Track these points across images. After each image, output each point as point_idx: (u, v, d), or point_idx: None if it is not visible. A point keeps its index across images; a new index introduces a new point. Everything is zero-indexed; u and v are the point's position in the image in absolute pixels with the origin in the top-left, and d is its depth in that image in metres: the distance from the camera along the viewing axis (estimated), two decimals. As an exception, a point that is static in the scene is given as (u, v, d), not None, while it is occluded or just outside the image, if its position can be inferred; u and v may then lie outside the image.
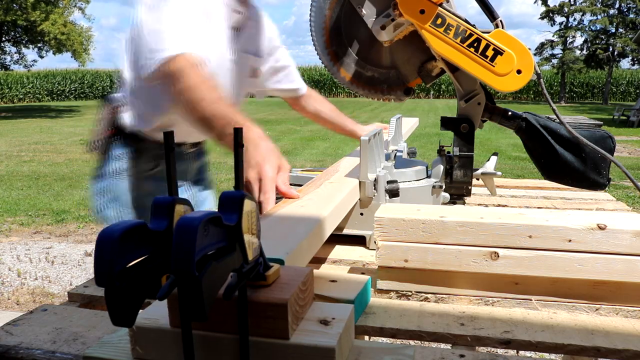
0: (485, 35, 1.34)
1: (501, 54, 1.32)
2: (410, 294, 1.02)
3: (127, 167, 1.66)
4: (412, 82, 1.59)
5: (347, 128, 2.06)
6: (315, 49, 1.57)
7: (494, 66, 1.33)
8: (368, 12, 1.47)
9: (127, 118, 1.63)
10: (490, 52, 1.33)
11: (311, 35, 1.57)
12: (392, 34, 1.46)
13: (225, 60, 1.63)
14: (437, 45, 1.37)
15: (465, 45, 1.34)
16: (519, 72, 1.33)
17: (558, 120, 1.44)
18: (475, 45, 1.34)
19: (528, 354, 0.92)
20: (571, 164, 1.45)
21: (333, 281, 0.94)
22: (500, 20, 1.38)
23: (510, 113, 1.49)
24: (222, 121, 1.24)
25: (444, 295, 1.01)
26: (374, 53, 1.57)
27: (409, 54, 1.54)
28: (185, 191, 1.83)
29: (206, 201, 1.96)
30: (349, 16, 1.52)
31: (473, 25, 1.35)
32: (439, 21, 1.35)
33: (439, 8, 1.35)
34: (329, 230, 1.09)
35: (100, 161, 1.68)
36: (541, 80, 1.40)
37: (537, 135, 1.46)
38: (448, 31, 1.35)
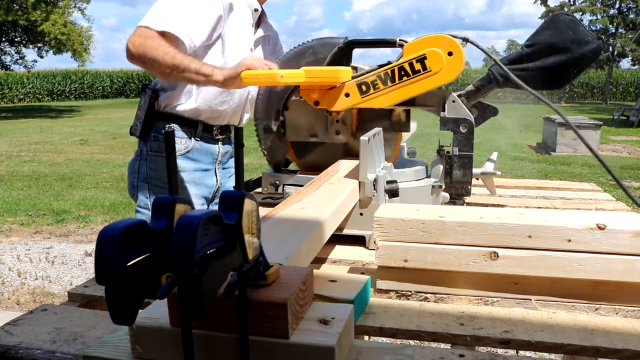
0: (401, 60, 1.41)
1: (425, 58, 1.38)
2: (409, 293, 1.02)
3: (162, 147, 1.79)
4: (398, 141, 1.67)
5: None
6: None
7: (430, 70, 1.38)
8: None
9: (162, 97, 1.79)
10: (418, 66, 1.39)
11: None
12: (346, 128, 1.57)
13: (247, 50, 1.79)
14: (381, 102, 1.44)
15: (397, 81, 1.41)
16: (450, 54, 1.37)
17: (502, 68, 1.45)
18: (402, 73, 1.40)
19: (527, 353, 0.92)
20: (559, 63, 1.46)
21: (333, 281, 0.94)
22: (399, 39, 1.46)
23: (480, 83, 1.53)
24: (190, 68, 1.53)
25: (444, 295, 1.01)
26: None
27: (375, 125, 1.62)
28: (212, 175, 1.91)
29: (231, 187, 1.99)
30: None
31: (387, 63, 1.42)
32: (363, 88, 1.43)
33: (355, 80, 1.43)
34: (328, 233, 1.09)
35: (139, 143, 1.84)
36: (470, 41, 1.44)
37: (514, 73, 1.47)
38: (376, 87, 1.42)
